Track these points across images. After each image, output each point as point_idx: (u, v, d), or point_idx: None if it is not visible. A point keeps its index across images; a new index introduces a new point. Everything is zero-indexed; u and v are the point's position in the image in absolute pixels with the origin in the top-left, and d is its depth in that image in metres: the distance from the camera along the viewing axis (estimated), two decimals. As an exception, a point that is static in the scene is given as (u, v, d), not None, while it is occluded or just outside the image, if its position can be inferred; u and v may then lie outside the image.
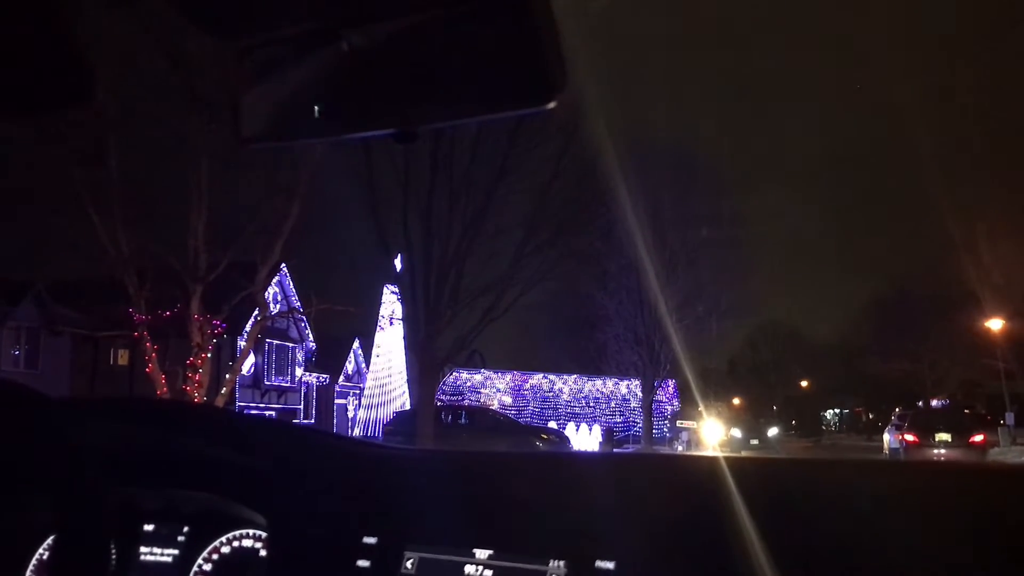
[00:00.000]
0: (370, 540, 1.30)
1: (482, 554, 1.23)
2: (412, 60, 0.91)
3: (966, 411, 27.59)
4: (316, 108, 0.97)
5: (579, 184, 20.09)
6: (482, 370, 39.96)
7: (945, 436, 17.72)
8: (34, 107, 0.96)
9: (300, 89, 0.97)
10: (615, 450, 27.23)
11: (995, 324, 27.39)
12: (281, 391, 29.98)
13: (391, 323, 32.39)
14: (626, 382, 38.48)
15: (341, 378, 35.11)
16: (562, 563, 1.18)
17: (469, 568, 1.23)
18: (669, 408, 38.03)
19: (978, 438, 17.68)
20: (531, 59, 0.86)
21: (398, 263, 19.24)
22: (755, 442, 27.46)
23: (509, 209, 20.15)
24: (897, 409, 28.01)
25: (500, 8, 0.86)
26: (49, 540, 1.58)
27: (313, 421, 31.90)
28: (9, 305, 23.77)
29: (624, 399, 39.65)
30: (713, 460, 1.27)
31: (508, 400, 40.28)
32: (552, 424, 32.36)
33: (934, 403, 38.86)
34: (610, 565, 1.14)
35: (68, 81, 0.89)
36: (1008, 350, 27.44)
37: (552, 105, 0.87)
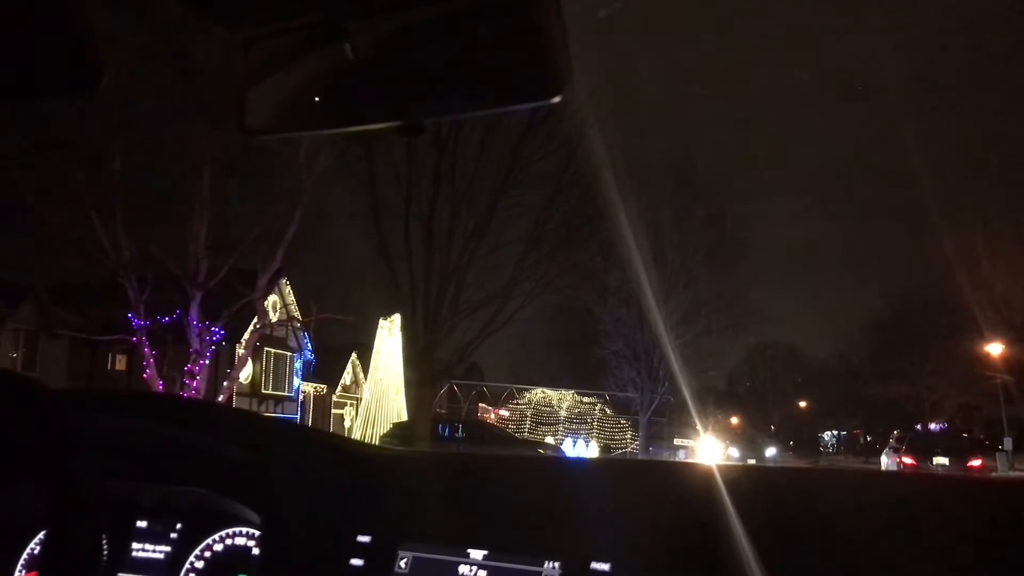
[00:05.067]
0: (364, 538, 1.29)
1: (477, 554, 1.22)
2: (417, 53, 0.91)
3: (964, 435, 27.53)
4: (320, 100, 0.98)
5: (581, 198, 20.14)
6: (480, 383, 39.89)
7: (943, 460, 17.72)
8: (40, 89, 0.96)
9: (305, 81, 0.97)
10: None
11: (995, 348, 27.41)
12: (278, 400, 29.89)
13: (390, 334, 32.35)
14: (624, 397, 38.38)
15: (339, 388, 35.01)
16: (557, 564, 1.16)
17: (463, 568, 1.22)
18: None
19: (976, 463, 17.67)
20: (537, 52, 0.86)
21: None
22: (752, 461, 27.58)
23: (511, 222, 20.20)
24: (895, 432, 27.89)
25: (506, 1, 0.86)
26: (41, 535, 1.56)
27: (309, 430, 31.67)
28: (8, 307, 23.74)
29: (621, 415, 39.53)
30: (709, 467, 1.27)
31: (505, 414, 40.16)
32: (549, 439, 32.28)
33: (932, 426, 38.72)
34: (605, 567, 1.13)
35: (75, 63, 0.89)
36: (1008, 374, 27.40)
37: (557, 99, 0.87)
